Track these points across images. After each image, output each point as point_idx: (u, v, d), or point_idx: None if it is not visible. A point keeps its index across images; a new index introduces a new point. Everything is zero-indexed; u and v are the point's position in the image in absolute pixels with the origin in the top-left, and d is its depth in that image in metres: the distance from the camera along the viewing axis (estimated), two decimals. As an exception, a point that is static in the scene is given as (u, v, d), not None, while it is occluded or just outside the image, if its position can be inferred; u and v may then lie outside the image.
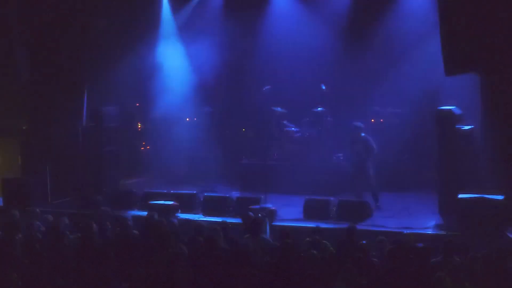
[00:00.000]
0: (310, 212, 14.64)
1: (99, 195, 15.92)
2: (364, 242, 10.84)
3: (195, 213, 15.31)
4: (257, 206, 14.37)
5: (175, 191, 16.07)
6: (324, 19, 18.48)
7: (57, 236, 11.23)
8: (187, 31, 18.79)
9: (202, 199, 15.58)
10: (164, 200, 15.23)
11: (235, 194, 16.07)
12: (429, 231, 13.39)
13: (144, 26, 18.66)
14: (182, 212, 15.13)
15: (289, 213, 15.02)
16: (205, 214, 15.11)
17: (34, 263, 10.04)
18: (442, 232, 13.12)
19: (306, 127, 17.77)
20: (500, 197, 13.01)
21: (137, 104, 19.95)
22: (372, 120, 17.89)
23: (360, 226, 13.04)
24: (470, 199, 13.09)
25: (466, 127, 14.48)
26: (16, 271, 9.58)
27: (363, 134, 15.81)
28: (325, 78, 18.32)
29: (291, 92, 18.56)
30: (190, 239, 11.32)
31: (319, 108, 17.80)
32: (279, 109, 18.20)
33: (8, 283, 9.19)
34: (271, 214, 14.18)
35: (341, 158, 17.46)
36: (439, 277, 8.79)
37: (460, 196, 13.24)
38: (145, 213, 13.51)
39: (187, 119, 19.25)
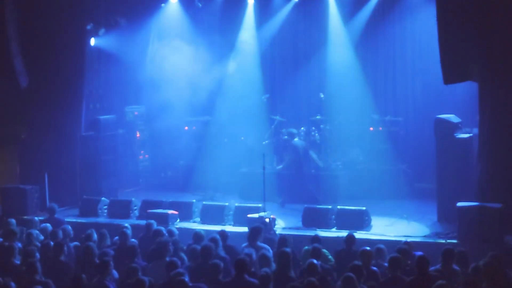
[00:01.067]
0: (309, 220, 14.62)
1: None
2: (367, 248, 10.78)
3: (193, 222, 15.29)
4: (256, 215, 14.36)
5: (174, 200, 16.05)
6: (324, 27, 18.52)
7: (58, 245, 11.20)
8: (183, 37, 18.82)
9: (200, 208, 15.56)
10: (163, 209, 15.21)
11: (233, 202, 16.03)
12: (428, 240, 13.36)
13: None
14: (181, 221, 15.11)
15: (288, 221, 15.01)
16: (204, 223, 15.08)
17: (32, 272, 10.00)
18: (441, 241, 13.11)
19: (304, 136, 17.75)
20: (498, 205, 13.01)
21: (136, 113, 19.94)
22: (371, 128, 17.89)
23: (359, 235, 13.02)
24: (469, 207, 13.08)
25: (465, 135, 14.49)
26: (14, 279, 9.55)
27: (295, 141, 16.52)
28: (324, 87, 18.35)
29: (290, 101, 18.57)
30: (189, 248, 11.29)
31: (317, 117, 17.81)
32: (278, 117, 18.20)
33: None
34: (270, 223, 14.15)
35: (340, 166, 17.47)
36: (440, 285, 8.75)
37: (459, 204, 13.23)
38: (143, 222, 13.47)
39: (186, 127, 19.24)
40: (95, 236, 12.10)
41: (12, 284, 9.38)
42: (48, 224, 13.13)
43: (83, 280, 9.35)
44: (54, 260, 10.90)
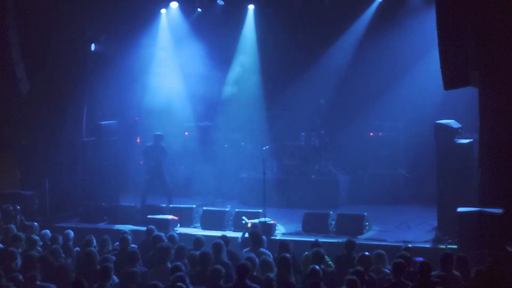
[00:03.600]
0: (309, 225, 14.63)
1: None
2: (366, 253, 10.81)
3: (194, 227, 15.30)
4: (256, 220, 14.37)
5: (174, 205, 16.06)
6: (324, 33, 18.56)
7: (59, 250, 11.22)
8: (181, 41, 18.85)
9: (201, 213, 15.56)
10: (163, 214, 15.22)
11: (234, 208, 16.04)
12: (428, 245, 13.37)
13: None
14: (181, 226, 15.12)
15: (288, 227, 15.02)
16: (204, 228, 15.09)
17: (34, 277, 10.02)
18: (441, 246, 13.11)
19: (305, 141, 17.78)
20: (499, 211, 13.01)
21: (137, 118, 19.95)
22: (371, 134, 17.91)
23: (359, 240, 13.03)
24: (469, 212, 13.07)
25: (465, 141, 14.50)
26: (15, 284, 9.57)
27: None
28: (325, 92, 18.38)
29: (290, 106, 18.59)
30: (189, 253, 11.30)
31: (318, 122, 17.83)
32: (278, 123, 18.23)
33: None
34: (270, 228, 14.18)
35: (340, 171, 17.48)
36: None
37: (460, 209, 13.23)
38: (144, 228, 13.48)
39: (186, 133, 19.25)
40: (94, 242, 12.11)
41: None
42: (47, 230, 13.14)
43: (84, 284, 9.36)
44: (55, 265, 10.91)
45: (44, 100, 17.18)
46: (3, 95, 17.32)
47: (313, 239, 12.65)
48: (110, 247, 12.21)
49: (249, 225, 13.60)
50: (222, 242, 11.41)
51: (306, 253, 11.54)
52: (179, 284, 9.21)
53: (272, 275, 10.04)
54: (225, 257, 11.16)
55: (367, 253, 10.86)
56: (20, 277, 9.88)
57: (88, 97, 17.95)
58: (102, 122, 17.71)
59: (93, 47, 17.95)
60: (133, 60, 18.70)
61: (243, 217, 14.35)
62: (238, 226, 14.71)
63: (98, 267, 10.52)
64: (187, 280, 9.68)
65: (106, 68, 18.75)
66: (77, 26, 17.27)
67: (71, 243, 12.46)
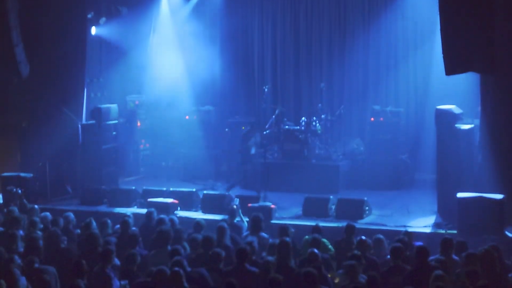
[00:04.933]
0: (309, 210, 14.64)
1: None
2: (363, 238, 10.85)
3: (194, 211, 15.31)
4: (256, 204, 14.39)
5: (175, 189, 16.07)
6: (324, 17, 18.51)
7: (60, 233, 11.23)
8: (185, 28, 18.77)
9: (201, 197, 15.57)
10: (163, 198, 15.24)
11: (234, 192, 16.05)
12: (428, 230, 13.39)
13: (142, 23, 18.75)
14: (181, 210, 15.14)
15: (288, 211, 15.03)
16: (204, 212, 15.11)
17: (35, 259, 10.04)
18: (441, 231, 13.13)
19: (305, 126, 17.76)
20: (499, 196, 13.02)
21: (137, 102, 19.94)
22: (372, 119, 17.89)
23: (359, 225, 13.05)
24: (469, 198, 13.09)
25: (466, 126, 14.49)
26: (17, 267, 9.58)
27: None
28: (325, 76, 18.35)
29: (291, 91, 18.56)
30: (189, 237, 11.33)
31: (318, 106, 17.81)
32: (278, 107, 18.21)
33: (10, 279, 9.19)
34: (270, 212, 14.19)
35: (341, 156, 17.48)
36: (438, 275, 8.79)
37: (459, 195, 13.24)
38: (144, 211, 13.50)
39: (187, 117, 19.24)
40: (94, 224, 12.12)
41: (16, 271, 9.41)
42: (47, 213, 13.16)
43: (84, 266, 9.38)
44: (56, 247, 10.92)
45: (44, 83, 17.14)
46: (3, 78, 17.29)
47: (313, 223, 12.68)
48: (110, 231, 12.22)
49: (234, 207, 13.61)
50: (225, 225, 11.43)
51: (306, 237, 11.57)
52: (176, 268, 9.21)
53: (270, 258, 10.09)
54: (228, 241, 11.18)
55: (363, 237, 10.89)
56: (19, 260, 9.88)
57: (88, 80, 17.91)
58: (102, 106, 17.70)
59: (93, 30, 17.89)
60: (133, 43, 18.65)
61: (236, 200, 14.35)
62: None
63: (100, 249, 10.53)
64: (185, 263, 9.69)
65: (106, 51, 18.71)
66: (77, 9, 17.21)
67: (71, 226, 12.47)
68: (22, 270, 9.73)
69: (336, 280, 9.67)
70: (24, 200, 14.69)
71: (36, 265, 9.97)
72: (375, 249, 10.94)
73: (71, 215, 12.75)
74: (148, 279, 9.39)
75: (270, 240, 11.37)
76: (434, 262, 9.88)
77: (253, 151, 17.01)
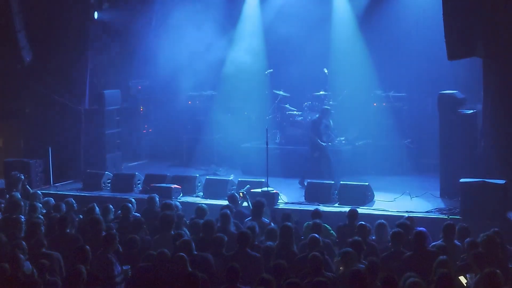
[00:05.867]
0: (311, 195, 14.65)
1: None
2: (363, 223, 10.84)
3: (196, 196, 15.32)
4: (258, 189, 14.40)
5: (177, 174, 16.08)
6: (328, 2, 18.44)
7: (64, 218, 11.25)
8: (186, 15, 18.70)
9: (203, 182, 15.58)
10: (166, 183, 15.25)
11: (237, 177, 16.05)
12: (431, 215, 13.40)
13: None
14: (184, 195, 15.15)
15: (291, 196, 15.05)
16: (207, 197, 15.12)
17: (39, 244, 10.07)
18: (444, 216, 13.14)
19: (308, 111, 17.75)
20: (501, 181, 13.02)
21: (139, 87, 19.92)
22: (374, 104, 17.87)
23: (362, 210, 13.05)
24: (472, 183, 13.09)
25: (468, 111, 14.46)
26: (21, 251, 9.60)
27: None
28: (328, 62, 18.30)
29: (293, 76, 18.52)
30: (191, 222, 11.35)
31: (321, 92, 17.78)
32: (281, 92, 18.19)
33: (14, 265, 9.22)
34: (273, 198, 14.20)
35: (344, 142, 17.46)
36: (441, 261, 8.79)
37: (462, 180, 13.24)
38: (146, 196, 13.51)
39: (189, 102, 19.23)
40: (97, 209, 12.14)
41: (21, 256, 9.43)
42: (50, 198, 13.19)
43: (87, 251, 9.41)
44: (60, 232, 10.95)
45: (47, 68, 17.14)
46: (6, 64, 17.28)
47: (315, 209, 12.68)
48: (112, 216, 12.24)
49: (241, 195, 13.59)
50: (229, 212, 11.43)
51: (308, 222, 11.57)
52: (181, 254, 9.21)
53: (272, 243, 10.10)
54: (232, 228, 11.19)
55: (363, 222, 10.89)
56: (24, 244, 9.90)
57: (91, 65, 17.89)
58: (105, 91, 17.69)
59: (96, 15, 17.86)
60: (136, 28, 18.62)
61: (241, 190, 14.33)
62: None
63: (104, 233, 10.55)
64: (193, 245, 9.71)
65: (109, 36, 18.67)
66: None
67: (73, 211, 12.49)
68: (26, 254, 9.76)
69: (341, 268, 9.66)
70: (27, 185, 14.73)
71: (44, 250, 9.98)
72: (377, 234, 10.94)
73: (73, 200, 12.77)
74: (148, 263, 9.40)
75: (272, 226, 11.38)
76: (436, 247, 9.88)
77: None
